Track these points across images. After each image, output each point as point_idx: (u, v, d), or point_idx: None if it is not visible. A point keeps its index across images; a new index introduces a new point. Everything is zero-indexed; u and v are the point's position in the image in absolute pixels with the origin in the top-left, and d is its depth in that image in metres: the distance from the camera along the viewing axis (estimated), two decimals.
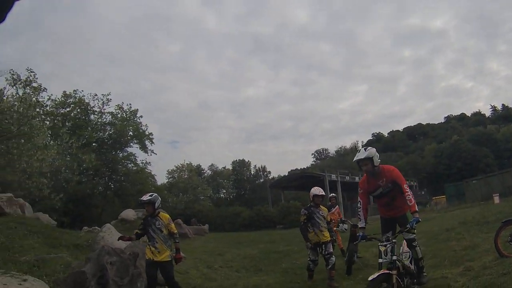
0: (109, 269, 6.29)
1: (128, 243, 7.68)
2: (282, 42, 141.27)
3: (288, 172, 70.83)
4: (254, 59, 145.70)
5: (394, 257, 5.02)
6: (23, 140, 19.72)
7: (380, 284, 4.72)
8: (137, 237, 7.08)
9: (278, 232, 28.85)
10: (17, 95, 20.98)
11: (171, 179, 57.63)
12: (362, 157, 5.61)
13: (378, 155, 5.80)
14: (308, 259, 8.62)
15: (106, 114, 37.74)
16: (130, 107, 38.53)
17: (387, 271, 4.81)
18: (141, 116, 39.05)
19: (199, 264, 12.16)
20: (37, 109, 22.52)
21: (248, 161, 78.45)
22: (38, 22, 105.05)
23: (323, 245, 8.43)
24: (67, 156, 27.03)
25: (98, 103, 36.54)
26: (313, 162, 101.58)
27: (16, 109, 19.76)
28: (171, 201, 48.58)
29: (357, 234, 5.68)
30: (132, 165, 39.88)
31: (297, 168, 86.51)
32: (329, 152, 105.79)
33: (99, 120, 37.63)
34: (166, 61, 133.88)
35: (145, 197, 7.06)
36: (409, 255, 5.73)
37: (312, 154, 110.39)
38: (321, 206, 8.76)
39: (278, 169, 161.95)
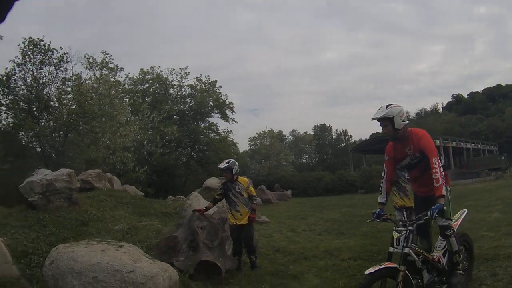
0: (200, 233, 6.56)
1: (215, 210, 7.96)
2: (357, 3, 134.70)
3: (369, 136, 68.42)
4: (329, 22, 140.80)
5: (406, 250, 4.06)
6: (103, 119, 20.86)
7: (382, 280, 4.01)
8: (214, 202, 7.41)
9: (360, 196, 28.30)
10: (95, 77, 22.21)
11: (253, 146, 58.38)
12: (379, 116, 4.54)
13: (406, 114, 4.67)
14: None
15: (185, 87, 38.77)
16: (209, 78, 39.11)
17: (393, 265, 3.96)
18: (221, 87, 39.59)
19: (282, 228, 12.49)
20: (117, 88, 23.65)
21: (329, 125, 76.68)
22: (108, 6, 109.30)
23: (408, 211, 8.08)
24: (149, 130, 28.33)
25: (176, 77, 37.64)
26: None
27: (95, 90, 21.00)
28: (253, 168, 49.38)
29: (373, 211, 4.78)
30: (214, 134, 40.75)
31: (378, 132, 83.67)
32: (409, 115, 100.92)
33: (179, 93, 38.76)
34: (242, 31, 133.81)
35: (223, 164, 7.29)
36: (444, 246, 4.70)
37: None
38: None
39: (359, 133, 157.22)
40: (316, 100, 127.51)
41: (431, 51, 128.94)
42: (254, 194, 7.38)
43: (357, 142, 69.21)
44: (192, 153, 39.77)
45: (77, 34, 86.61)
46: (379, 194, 4.97)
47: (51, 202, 8.81)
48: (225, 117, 40.19)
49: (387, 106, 4.59)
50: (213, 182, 25.20)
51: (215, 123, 40.94)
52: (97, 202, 10.60)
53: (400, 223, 4.30)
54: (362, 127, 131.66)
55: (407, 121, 4.68)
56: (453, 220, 4.95)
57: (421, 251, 4.33)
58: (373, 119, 4.64)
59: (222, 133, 41.02)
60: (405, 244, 4.08)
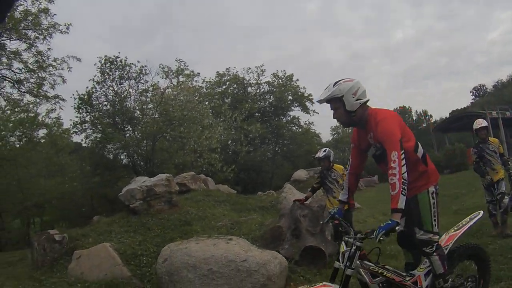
0: (302, 221, 6.90)
1: (313, 199, 8.16)
2: None
3: (449, 113, 64.76)
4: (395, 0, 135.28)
5: (349, 271, 3.06)
6: (185, 124, 21.61)
7: None
8: (313, 191, 7.68)
9: (445, 176, 26.98)
10: (172, 85, 23.18)
11: (335, 135, 57.68)
12: (324, 98, 3.44)
13: (362, 90, 3.45)
14: (485, 202, 7.92)
15: (263, 84, 39.17)
16: (285, 73, 39.14)
17: (330, 286, 3.03)
18: (297, 80, 39.51)
19: (375, 213, 12.73)
20: (196, 93, 24.49)
21: (409, 107, 74.35)
22: (171, 16, 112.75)
23: (495, 184, 7.59)
24: (232, 130, 28.96)
25: (253, 76, 38.14)
26: (472, 100, 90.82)
27: (176, 97, 21.88)
28: (337, 157, 48.65)
29: (329, 211, 3.84)
30: (296, 127, 40.99)
31: (457, 109, 78.92)
32: (486, 88, 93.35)
33: (257, 91, 39.25)
34: (309, 20, 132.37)
35: (320, 153, 7.55)
36: (428, 264, 3.50)
37: (470, 92, 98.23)
38: (490, 139, 7.85)
39: (439, 112, 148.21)
40: (392, 82, 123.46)
41: (501, 18, 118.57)
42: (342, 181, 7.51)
43: (437, 121, 65.82)
44: (277, 148, 40.25)
45: (144, 47, 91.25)
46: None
47: (152, 207, 9.60)
48: (305, 109, 40.01)
49: (335, 83, 3.45)
50: (301, 174, 25.32)
51: (296, 116, 41.10)
52: (195, 202, 11.23)
53: (352, 231, 3.28)
54: (442, 105, 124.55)
55: (364, 99, 3.46)
56: (454, 229, 3.87)
57: (380, 270, 3.23)
58: (318, 102, 3.60)
59: (304, 126, 41.10)
60: (348, 264, 3.08)
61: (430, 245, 3.41)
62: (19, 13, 13.92)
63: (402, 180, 3.07)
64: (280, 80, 39.01)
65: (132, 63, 21.91)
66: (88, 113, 22.65)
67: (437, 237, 3.48)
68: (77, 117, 22.49)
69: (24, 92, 15.94)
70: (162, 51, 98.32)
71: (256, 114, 37.85)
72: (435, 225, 3.46)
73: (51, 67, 15.53)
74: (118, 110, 21.89)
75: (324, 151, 7.55)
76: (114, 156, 23.59)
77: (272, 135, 38.92)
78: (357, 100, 3.41)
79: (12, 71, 15.14)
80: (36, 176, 22.12)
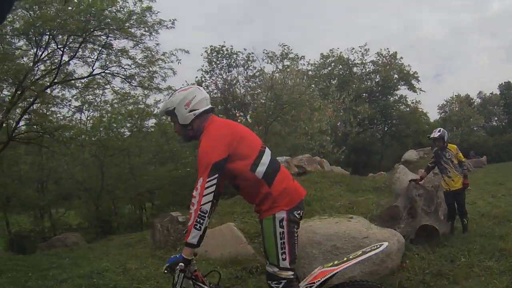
0: (418, 200, 7.03)
1: (427, 179, 8.09)
2: None
3: None
4: None
5: None
6: (297, 108, 21.79)
7: None
8: (427, 170, 7.73)
9: None
10: (278, 69, 23.53)
11: (442, 114, 54.45)
12: (160, 112, 3.09)
13: (199, 99, 3.09)
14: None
15: (368, 64, 38.38)
16: (388, 51, 38.10)
17: None
18: (402, 58, 38.12)
19: (484, 194, 12.36)
20: (304, 77, 24.59)
21: None
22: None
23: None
24: (341, 111, 28.61)
25: (357, 56, 37.46)
26: None
27: (283, 81, 22.18)
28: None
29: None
30: (403, 106, 39.84)
31: None
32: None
33: (363, 71, 38.53)
34: None
35: (435, 133, 7.58)
36: None
37: None
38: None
39: None
40: (495, 57, 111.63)
41: None
42: (463, 159, 7.60)
43: None
44: (385, 129, 39.51)
45: (243, 34, 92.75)
46: None
47: None
48: (412, 88, 38.85)
49: (172, 94, 3.19)
50: (411, 155, 24.59)
51: (403, 95, 39.92)
52: (313, 183, 11.52)
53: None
54: None
55: (201, 109, 3.05)
56: (334, 263, 3.12)
57: None
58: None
59: (411, 105, 39.88)
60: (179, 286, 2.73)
61: (276, 281, 2.85)
62: (122, 14, 14.75)
63: (199, 212, 2.68)
64: (384, 58, 38.21)
65: (239, 51, 22.67)
66: None
67: (289, 273, 2.85)
68: None
69: (135, 86, 17.10)
70: (261, 37, 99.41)
71: (364, 94, 37.30)
72: (284, 259, 2.83)
73: (160, 61, 16.49)
74: (228, 97, 22.76)
75: (439, 131, 7.61)
76: None
77: (380, 115, 38.09)
78: (190, 111, 3.03)
79: (122, 67, 16.22)
80: (147, 164, 23.85)
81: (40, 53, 14.99)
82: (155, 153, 24.49)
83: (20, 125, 15.78)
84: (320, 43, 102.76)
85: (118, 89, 17.57)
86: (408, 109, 39.56)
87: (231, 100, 22.87)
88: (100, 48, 15.52)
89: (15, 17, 13.92)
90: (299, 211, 2.92)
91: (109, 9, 14.30)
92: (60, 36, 14.49)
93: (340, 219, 6.16)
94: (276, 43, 29.99)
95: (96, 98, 20.29)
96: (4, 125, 15.26)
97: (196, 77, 23.22)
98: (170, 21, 15.66)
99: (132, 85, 16.97)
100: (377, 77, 38.63)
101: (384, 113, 37.96)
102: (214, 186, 2.72)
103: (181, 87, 3.36)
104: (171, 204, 21.09)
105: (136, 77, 16.51)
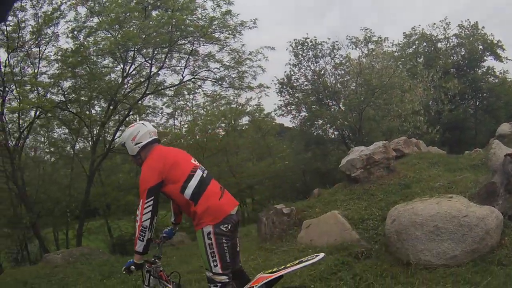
0: None
1: None
2: None
3: None
4: None
5: None
6: (388, 91, 21.71)
7: None
8: None
9: None
10: (363, 54, 23.75)
11: None
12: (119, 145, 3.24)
13: (143, 133, 3.67)
14: None
15: (451, 37, 36.65)
16: (469, 22, 35.99)
17: None
18: (483, 27, 35.81)
19: None
20: (391, 59, 24.35)
21: None
22: None
23: None
24: (431, 89, 27.86)
25: (440, 31, 35.93)
26: None
27: (370, 65, 22.17)
28: None
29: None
30: (492, 78, 37.30)
31: None
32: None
33: (447, 45, 36.89)
34: None
35: None
36: None
37: None
38: None
39: None
40: None
41: None
42: None
43: None
44: (477, 103, 37.40)
45: (322, 23, 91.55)
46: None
47: (372, 174, 10.05)
48: (498, 58, 36.01)
49: (124, 131, 3.81)
50: (505, 128, 23.14)
51: (491, 66, 37.17)
52: (411, 166, 11.42)
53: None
54: None
55: (145, 141, 3.64)
56: (273, 270, 3.57)
57: None
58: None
59: (499, 75, 37.11)
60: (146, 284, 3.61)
61: (213, 284, 3.38)
62: (204, 21, 15.65)
63: (141, 227, 3.30)
64: (466, 30, 36.02)
65: (323, 41, 22.96)
66: (290, 95, 24.52)
67: (222, 277, 3.37)
68: (280, 100, 24.69)
69: (226, 87, 17.96)
70: (339, 23, 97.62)
71: (451, 70, 35.58)
72: (216, 266, 3.35)
73: (248, 60, 17.19)
74: (319, 87, 23.16)
75: None
76: (323, 132, 25.01)
77: (470, 90, 36.18)
78: (136, 144, 3.61)
79: (211, 71, 17.20)
80: (246, 160, 24.88)
81: (128, 68, 16.27)
82: (252, 150, 25.53)
83: (116, 136, 17.07)
84: (398, 23, 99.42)
85: (210, 92, 18.58)
86: (496, 80, 37.15)
87: (322, 90, 23.18)
88: (186, 56, 16.52)
89: (97, 38, 15.21)
90: (226, 225, 3.40)
91: (190, 18, 15.20)
92: (144, 50, 15.59)
93: (440, 199, 6.23)
94: (354, 29, 29.90)
95: (187, 103, 21.74)
96: (100, 138, 16.78)
97: (285, 71, 23.82)
98: (252, 21, 16.38)
99: (223, 86, 17.93)
100: (462, 50, 36.59)
101: (474, 87, 35.93)
102: (151, 206, 3.33)
103: (131, 124, 4.16)
104: (271, 197, 21.98)
105: (226, 78, 17.41)
